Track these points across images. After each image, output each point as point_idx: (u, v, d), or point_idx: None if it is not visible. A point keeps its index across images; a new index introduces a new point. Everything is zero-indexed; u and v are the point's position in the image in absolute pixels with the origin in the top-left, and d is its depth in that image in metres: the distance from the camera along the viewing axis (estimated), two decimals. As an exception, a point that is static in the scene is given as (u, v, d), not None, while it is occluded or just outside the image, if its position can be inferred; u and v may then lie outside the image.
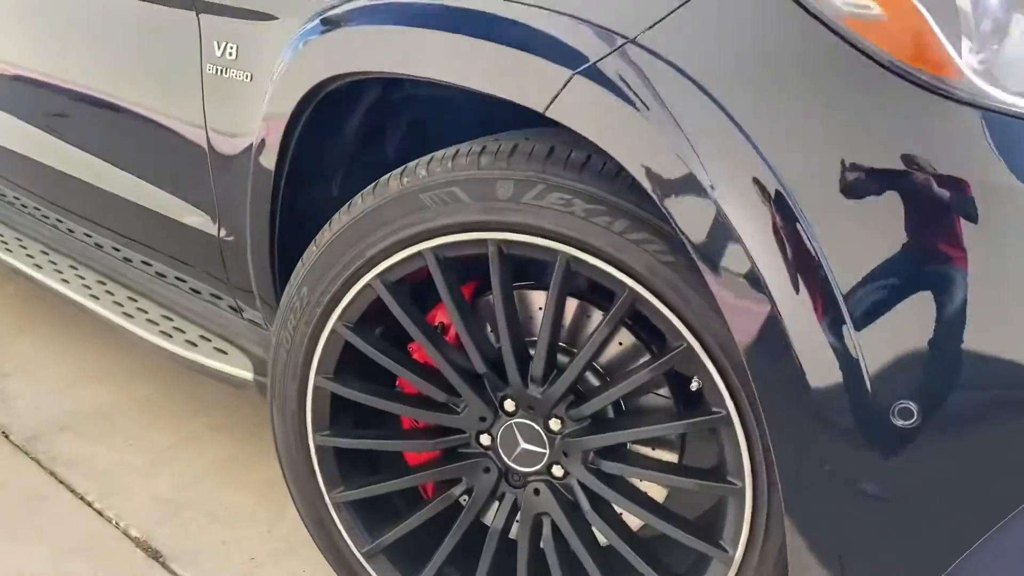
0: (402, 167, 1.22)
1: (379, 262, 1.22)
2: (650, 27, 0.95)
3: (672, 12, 0.94)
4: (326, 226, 1.28)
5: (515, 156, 1.12)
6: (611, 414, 1.25)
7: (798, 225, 0.90)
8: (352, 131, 1.44)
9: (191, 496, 1.86)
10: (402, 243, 1.20)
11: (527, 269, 1.27)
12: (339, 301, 1.26)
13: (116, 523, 1.78)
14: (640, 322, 1.29)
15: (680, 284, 1.06)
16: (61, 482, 1.91)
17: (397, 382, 1.38)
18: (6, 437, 2.07)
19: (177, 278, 1.89)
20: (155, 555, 1.69)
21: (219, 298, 1.78)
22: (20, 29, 1.93)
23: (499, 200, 1.12)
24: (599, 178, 1.08)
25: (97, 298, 2.06)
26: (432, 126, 1.49)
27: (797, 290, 0.91)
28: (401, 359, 1.30)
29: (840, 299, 0.89)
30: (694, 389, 1.12)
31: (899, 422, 0.89)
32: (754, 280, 0.93)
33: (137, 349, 2.42)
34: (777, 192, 0.90)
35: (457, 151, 1.17)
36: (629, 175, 1.07)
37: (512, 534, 1.36)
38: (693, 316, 1.06)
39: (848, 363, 0.90)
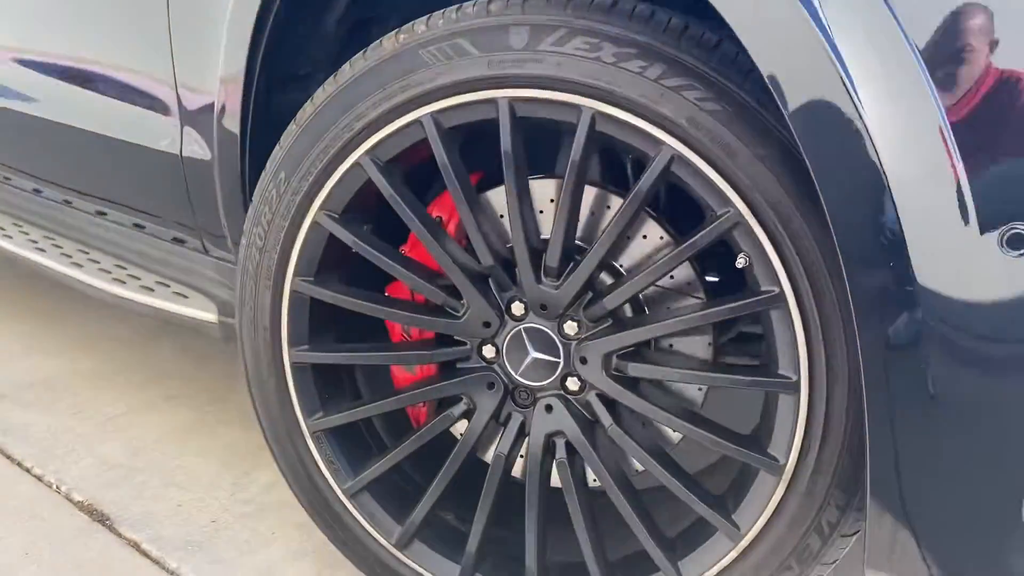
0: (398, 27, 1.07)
1: (370, 135, 1.05)
2: None
3: None
4: (308, 102, 1.12)
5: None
6: (632, 314, 1.09)
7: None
8: (331, 22, 1.28)
9: (144, 461, 1.65)
10: (397, 110, 1.03)
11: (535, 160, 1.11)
12: (322, 186, 1.09)
13: (56, 488, 1.57)
14: (666, 213, 1.14)
15: (727, 136, 0.91)
16: (-3, 450, 1.69)
17: (387, 290, 1.21)
18: (-64, 407, 1.85)
19: (136, 224, 1.70)
20: (101, 518, 1.48)
21: (182, 242, 1.60)
22: None
23: (512, 50, 0.97)
24: (630, 19, 0.94)
25: (44, 251, 1.86)
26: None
27: (896, 118, 0.76)
28: (393, 255, 1.12)
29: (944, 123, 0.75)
30: (741, 266, 0.96)
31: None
32: (851, 111, 0.78)
33: (82, 320, 2.24)
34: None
35: (461, 5, 1.02)
36: (665, 14, 0.93)
37: (516, 473, 1.19)
38: (742, 175, 0.91)
39: (953, 195, 0.75)
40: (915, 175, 0.77)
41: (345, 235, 1.10)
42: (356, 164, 1.07)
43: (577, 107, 0.96)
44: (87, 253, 1.84)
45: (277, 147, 1.14)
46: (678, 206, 1.15)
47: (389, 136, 1.05)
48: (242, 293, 1.18)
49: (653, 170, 0.95)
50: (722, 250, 1.02)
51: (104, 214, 1.72)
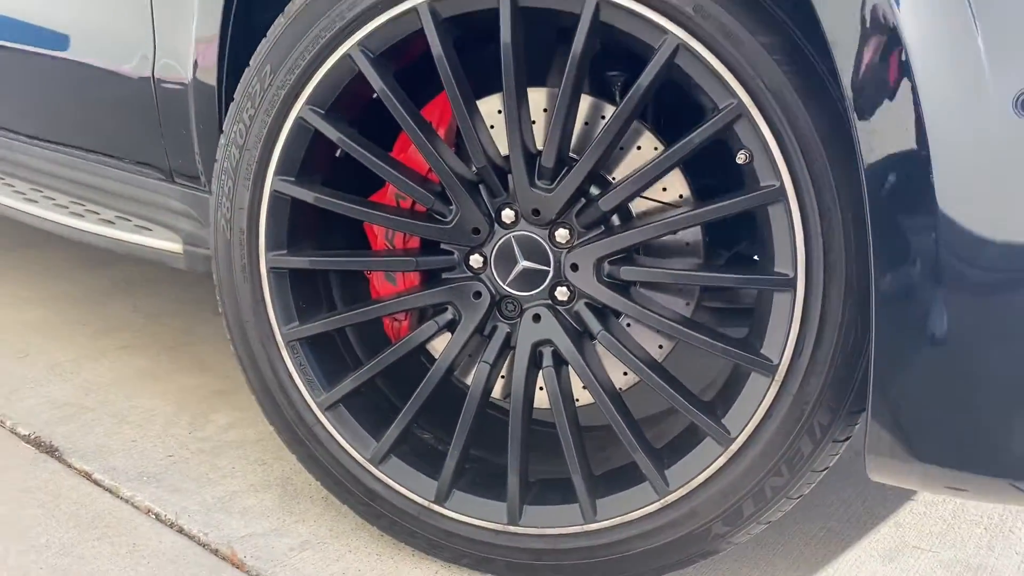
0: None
1: (362, 25, 1.02)
2: None
3: None
4: (300, -11, 1.08)
5: None
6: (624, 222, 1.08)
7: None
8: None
9: (95, 401, 1.57)
10: (394, -4, 1.00)
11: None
12: (309, 79, 1.06)
13: (1, 423, 1.48)
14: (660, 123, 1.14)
15: (731, 25, 0.90)
16: (-68, 390, 1.60)
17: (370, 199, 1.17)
18: None
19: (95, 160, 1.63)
20: (49, 450, 1.40)
21: (145, 169, 1.53)
22: None
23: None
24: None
25: (-5, 189, 1.78)
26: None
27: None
28: (382, 155, 1.09)
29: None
30: (741, 162, 0.95)
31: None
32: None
33: (28, 272, 2.15)
34: None
35: None
36: None
37: (496, 395, 1.16)
38: (746, 65, 0.91)
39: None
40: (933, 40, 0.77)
41: (331, 132, 1.06)
42: (346, 56, 1.04)
43: (579, -4, 0.95)
44: (41, 192, 1.76)
45: (264, 40, 1.10)
46: (670, 119, 1.15)
47: (382, 25, 1.02)
48: (218, 193, 1.14)
49: (657, 61, 0.94)
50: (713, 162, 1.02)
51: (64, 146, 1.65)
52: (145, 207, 1.56)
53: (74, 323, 1.90)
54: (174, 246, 1.47)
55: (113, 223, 1.57)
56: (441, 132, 1.13)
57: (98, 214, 1.62)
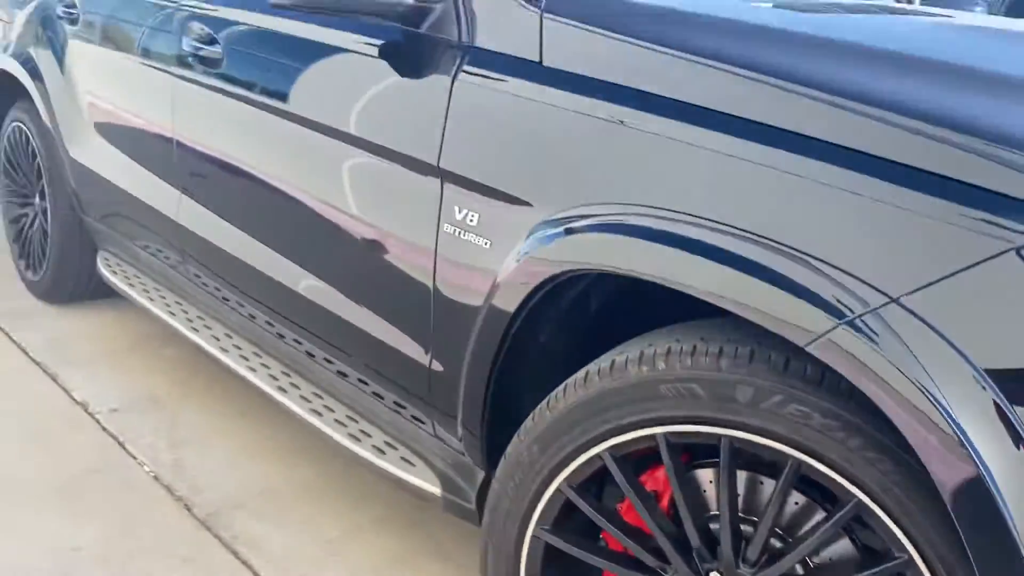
0: (636, 353, 1.34)
1: (611, 437, 1.35)
2: (915, 290, 1.06)
3: (941, 279, 1.05)
4: (559, 391, 1.42)
5: (754, 363, 1.24)
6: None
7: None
8: (577, 308, 1.57)
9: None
10: (637, 425, 1.32)
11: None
12: (567, 465, 1.40)
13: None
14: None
15: (906, 501, 1.16)
16: (244, 563, 2.07)
17: (601, 535, 1.50)
18: (189, 511, 2.25)
19: (360, 380, 2.03)
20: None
21: (402, 407, 1.91)
22: (263, 146, 2.11)
23: (737, 402, 1.24)
24: (836, 396, 1.19)
25: (285, 391, 2.23)
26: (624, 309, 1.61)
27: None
28: (619, 522, 1.42)
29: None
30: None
31: None
32: (989, 498, 1.02)
33: (294, 427, 2.62)
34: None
35: (695, 348, 1.30)
36: (866, 396, 1.18)
37: None
38: (916, 530, 1.16)
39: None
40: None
41: (582, 504, 1.40)
42: (597, 456, 1.37)
43: (786, 455, 1.23)
44: (322, 399, 2.20)
45: (530, 421, 1.44)
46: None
47: (628, 442, 1.34)
48: (491, 526, 1.50)
49: (845, 514, 1.21)
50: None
51: (344, 375, 2.06)
52: (408, 437, 1.95)
53: (336, 486, 2.35)
54: (434, 490, 1.86)
55: (384, 452, 1.98)
56: (664, 500, 1.43)
57: (371, 437, 2.04)
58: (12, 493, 2.25)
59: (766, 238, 1.18)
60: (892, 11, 1.96)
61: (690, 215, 1.26)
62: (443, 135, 1.59)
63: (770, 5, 1.64)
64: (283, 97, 1.98)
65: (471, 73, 1.58)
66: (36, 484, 2.29)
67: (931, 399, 1.04)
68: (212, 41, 2.21)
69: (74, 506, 2.22)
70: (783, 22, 1.49)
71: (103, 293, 3.29)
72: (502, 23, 1.58)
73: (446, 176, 1.59)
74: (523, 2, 1.55)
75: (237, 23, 2.17)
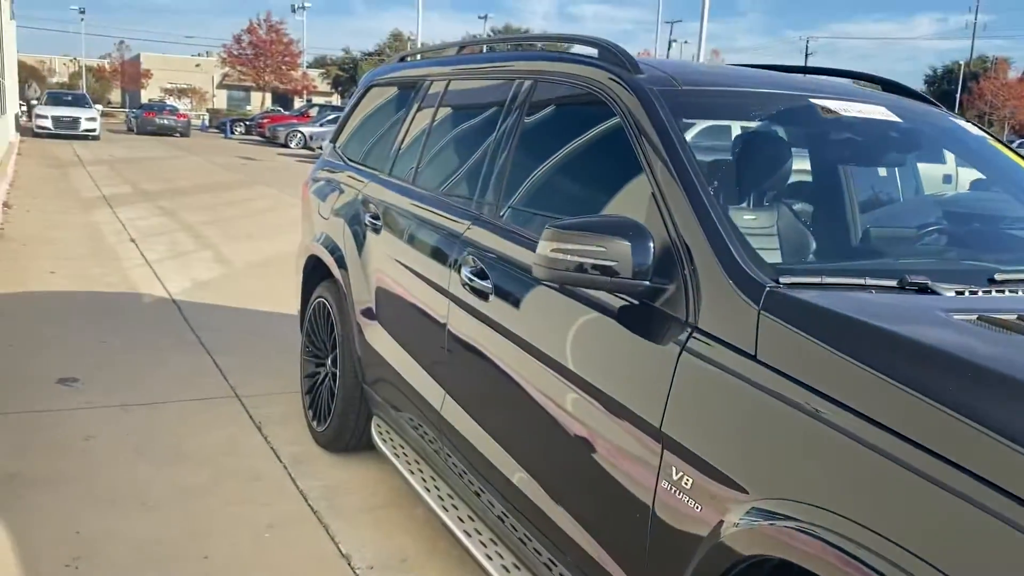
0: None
1: None
2: None
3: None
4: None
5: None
6: None
7: None
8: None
9: None
10: None
11: None
12: None
13: None
14: None
15: None
16: None
17: None
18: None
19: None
20: None
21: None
22: (520, 374, 2.47)
23: None
24: None
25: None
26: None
27: None
28: None
29: None
30: None
31: None
32: None
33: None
34: None
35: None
36: None
37: None
38: None
39: None
40: None
41: None
42: None
43: None
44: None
45: None
46: None
47: None
48: None
49: None
50: None
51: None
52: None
53: None
54: None
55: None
56: None
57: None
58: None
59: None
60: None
61: (876, 533, 1.40)
62: (667, 401, 1.85)
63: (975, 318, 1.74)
64: (543, 339, 2.33)
65: (695, 352, 1.84)
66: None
67: None
68: (484, 275, 2.65)
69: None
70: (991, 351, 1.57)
71: (372, 445, 3.81)
72: (724, 312, 1.83)
73: (667, 440, 1.84)
74: (744, 297, 1.80)
75: (507, 262, 2.59)
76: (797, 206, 2.38)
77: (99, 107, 35.15)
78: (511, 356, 2.46)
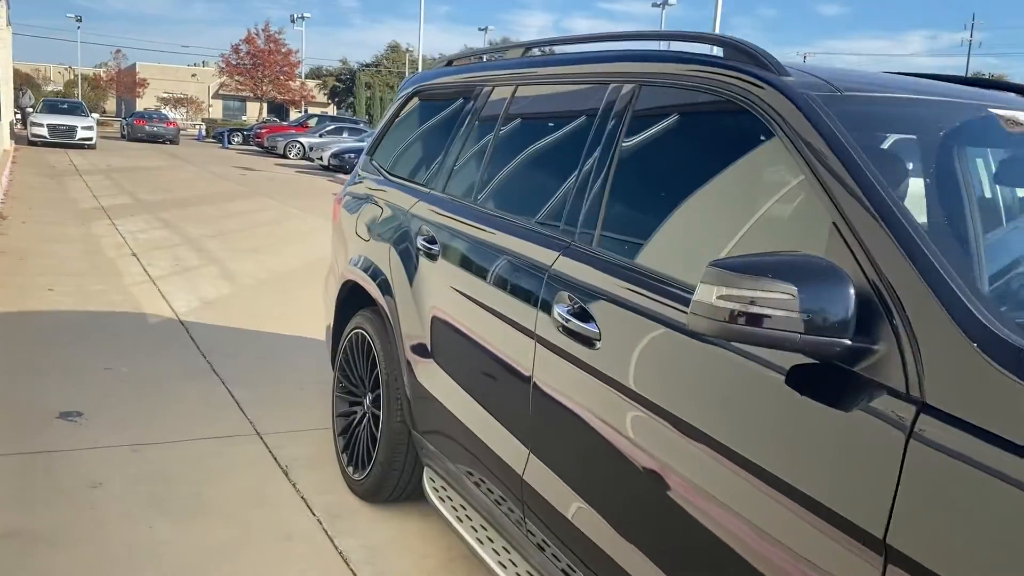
0: None
1: None
2: None
3: None
4: None
5: None
6: None
7: None
8: None
9: None
10: None
11: None
12: None
13: None
14: None
15: None
16: None
17: None
18: None
19: None
20: None
21: None
22: (634, 436, 2.02)
23: None
24: None
25: None
26: None
27: None
28: None
29: None
30: None
31: None
32: None
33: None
34: None
35: None
36: None
37: None
38: None
39: None
40: None
41: None
42: None
43: None
44: None
45: None
46: None
47: None
48: None
49: None
50: None
51: None
52: None
53: None
54: None
55: None
56: None
57: None
58: None
59: None
60: None
61: None
62: (893, 504, 1.40)
63: None
64: (685, 405, 1.87)
65: (928, 440, 1.39)
66: None
67: None
68: (585, 317, 2.20)
69: None
70: None
71: (414, 496, 3.36)
72: (970, 386, 1.39)
73: (892, 555, 1.39)
74: (1003, 369, 1.35)
75: (622, 304, 2.11)
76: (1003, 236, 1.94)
77: (95, 115, 34.66)
78: (635, 421, 2.01)
